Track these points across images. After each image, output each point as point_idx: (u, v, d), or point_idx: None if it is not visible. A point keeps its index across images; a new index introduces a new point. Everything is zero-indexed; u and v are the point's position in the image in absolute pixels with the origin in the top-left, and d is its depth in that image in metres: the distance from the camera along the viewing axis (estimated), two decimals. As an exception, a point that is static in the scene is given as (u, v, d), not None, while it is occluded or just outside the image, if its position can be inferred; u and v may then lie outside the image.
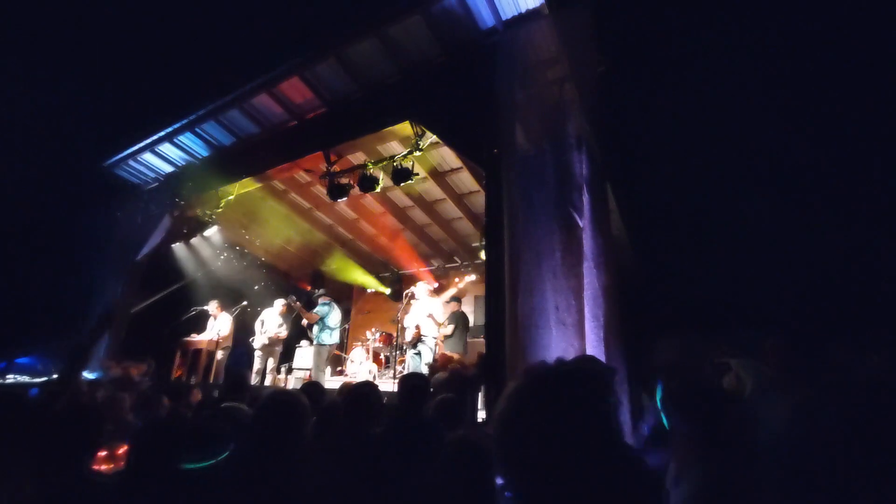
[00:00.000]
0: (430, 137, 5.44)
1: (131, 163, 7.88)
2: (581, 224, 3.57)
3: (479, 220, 8.03)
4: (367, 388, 2.34)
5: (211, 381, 6.71)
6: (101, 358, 6.82)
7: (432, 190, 7.54)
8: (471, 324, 7.92)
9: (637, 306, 2.99)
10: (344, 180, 6.01)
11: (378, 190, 5.79)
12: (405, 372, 5.70)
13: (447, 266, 9.43)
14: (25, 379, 7.50)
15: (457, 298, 7.39)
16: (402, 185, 5.58)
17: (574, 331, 3.27)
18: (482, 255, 7.54)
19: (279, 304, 7.51)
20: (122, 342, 7.21)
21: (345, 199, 5.95)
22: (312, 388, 3.22)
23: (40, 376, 8.04)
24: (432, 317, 5.34)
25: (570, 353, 3.18)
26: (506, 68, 4.34)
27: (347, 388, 2.35)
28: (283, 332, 7.43)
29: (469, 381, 3.56)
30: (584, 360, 2.21)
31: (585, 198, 3.62)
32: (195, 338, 7.39)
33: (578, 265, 3.44)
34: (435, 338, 5.55)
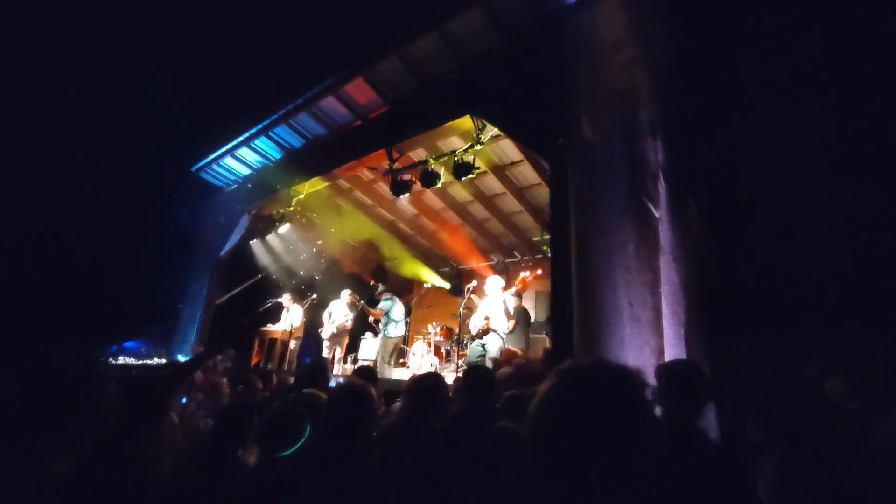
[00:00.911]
0: (492, 131, 5.36)
1: (214, 167, 8.51)
2: (657, 214, 3.33)
3: (540, 214, 7.84)
4: (433, 380, 2.29)
5: (286, 367, 7.09)
6: (191, 343, 7.47)
7: (492, 184, 7.45)
8: (532, 319, 7.78)
9: (722, 302, 2.73)
10: (406, 177, 6.09)
11: (439, 185, 5.80)
12: (465, 364, 5.67)
13: (507, 261, 9.30)
14: (132, 361, 8.42)
15: (518, 294, 7.25)
16: (462, 179, 5.54)
17: (650, 328, 3.07)
18: (545, 249, 7.37)
19: (346, 294, 7.76)
20: (209, 330, 7.84)
21: (407, 194, 6.02)
22: (367, 371, 3.27)
23: (144, 358, 8.97)
24: (506, 310, 5.28)
25: (645, 351, 2.99)
26: (570, 54, 4.14)
27: (412, 381, 2.31)
28: (349, 323, 7.68)
29: (535, 378, 3.45)
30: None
31: (662, 187, 3.37)
32: (271, 328, 7.85)
33: (654, 258, 3.22)
34: (503, 333, 5.48)
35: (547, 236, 7.73)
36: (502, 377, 3.23)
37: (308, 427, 1.71)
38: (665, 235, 3.24)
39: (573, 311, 3.59)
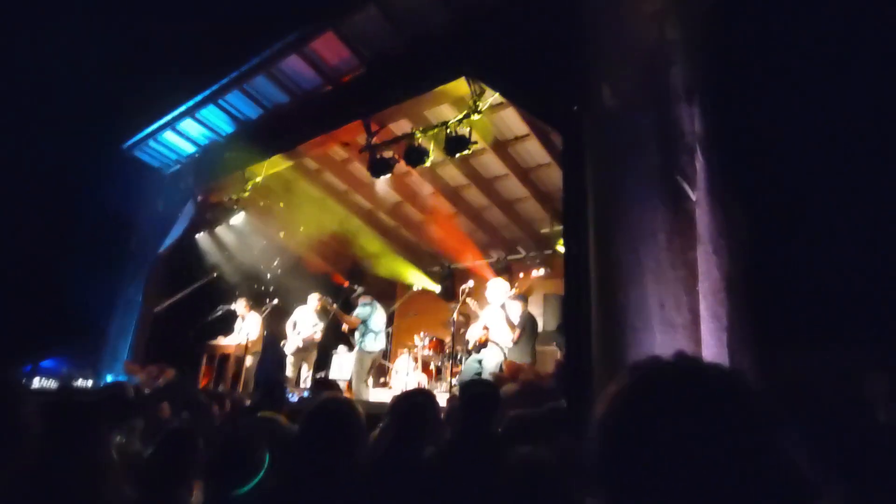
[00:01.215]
0: (491, 97, 5.29)
1: (151, 143, 8.34)
2: (693, 196, 3.28)
3: (549, 201, 7.83)
4: (422, 397, 2.28)
5: (241, 389, 6.96)
6: (124, 361, 7.29)
7: (492, 164, 7.42)
8: (539, 328, 7.76)
9: (776, 304, 2.68)
10: (387, 154, 6.00)
11: (427, 164, 5.72)
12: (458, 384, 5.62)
13: (509, 258, 9.29)
14: (50, 384, 8.20)
15: (523, 297, 7.23)
16: (456, 156, 5.46)
17: (686, 333, 3.01)
18: (557, 245, 7.34)
19: (313, 299, 7.67)
20: (145, 344, 7.68)
21: (388, 175, 5.92)
22: (328, 385, 3.23)
23: (67, 380, 8.75)
24: (508, 319, 5.22)
25: None
26: (588, 3, 4.08)
27: (396, 399, 2.30)
28: (319, 334, 7.58)
29: (545, 396, 3.41)
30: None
31: (699, 162, 3.31)
32: (222, 341, 7.74)
33: (690, 250, 3.16)
34: (505, 346, 5.43)
35: (558, 227, 7.72)
36: (506, 395, 3.18)
37: (267, 458, 1.66)
38: (703, 221, 3.19)
39: (591, 315, 3.54)
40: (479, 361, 5.37)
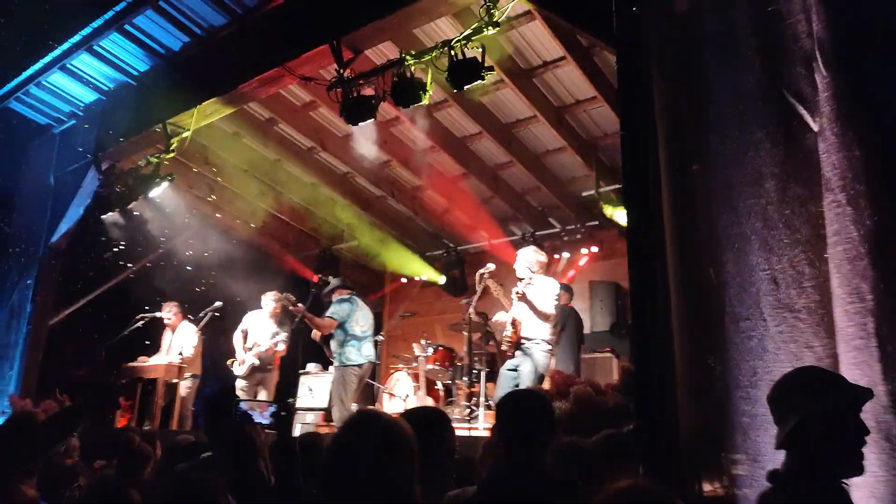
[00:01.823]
0: (511, 2, 5.15)
1: (34, 90, 8.28)
2: (814, 125, 3.18)
3: (592, 150, 7.82)
4: (435, 413, 2.37)
5: (174, 428, 6.93)
6: (9, 394, 7.25)
7: (512, 102, 7.35)
8: (585, 328, 7.74)
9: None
10: (367, 91, 5.89)
11: (424, 102, 5.59)
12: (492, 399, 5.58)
13: (539, 234, 9.23)
14: None
15: (566, 287, 7.19)
16: (465, 89, 5.35)
17: (812, 321, 2.94)
18: (606, 210, 7.26)
19: (269, 300, 7.65)
20: (38, 369, 7.64)
21: (369, 121, 5.82)
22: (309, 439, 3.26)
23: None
24: (525, 299, 5.15)
25: (805, 361, 2.86)
26: None
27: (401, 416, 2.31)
28: (282, 346, 7.54)
29: (609, 416, 3.37)
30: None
31: (822, 77, 3.19)
32: (146, 362, 7.69)
33: (813, 201, 3.07)
34: (548, 344, 5.38)
35: (606, 188, 7.65)
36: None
37: None
38: (831, 161, 3.10)
39: (671, 303, 3.43)
40: (515, 369, 5.32)
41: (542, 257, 5.75)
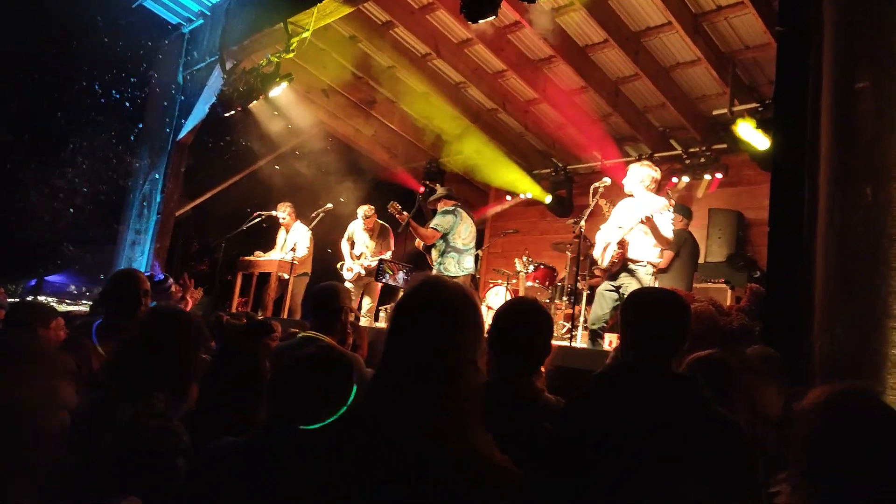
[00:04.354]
0: None
1: None
2: None
3: (729, 65, 7.25)
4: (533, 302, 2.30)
5: (284, 317, 7.20)
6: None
7: (644, 7, 6.86)
8: (701, 258, 7.32)
9: None
10: (491, -13, 5.56)
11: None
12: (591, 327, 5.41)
13: (657, 155, 8.74)
14: (55, 303, 9.00)
15: (684, 210, 6.82)
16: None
17: None
18: (736, 130, 6.69)
19: (362, 212, 7.74)
20: (165, 256, 8.12)
21: (492, 18, 5.53)
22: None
23: (76, 300, 9.57)
24: (651, 223, 4.86)
25: None
26: None
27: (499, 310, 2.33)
28: (387, 255, 7.63)
29: (732, 337, 3.14)
30: None
31: None
32: (261, 257, 7.99)
33: None
34: (654, 268, 5.12)
35: (740, 107, 7.06)
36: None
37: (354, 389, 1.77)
38: None
39: (818, 235, 3.22)
40: (618, 289, 5.12)
41: (656, 173, 5.38)
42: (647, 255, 5.18)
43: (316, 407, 1.69)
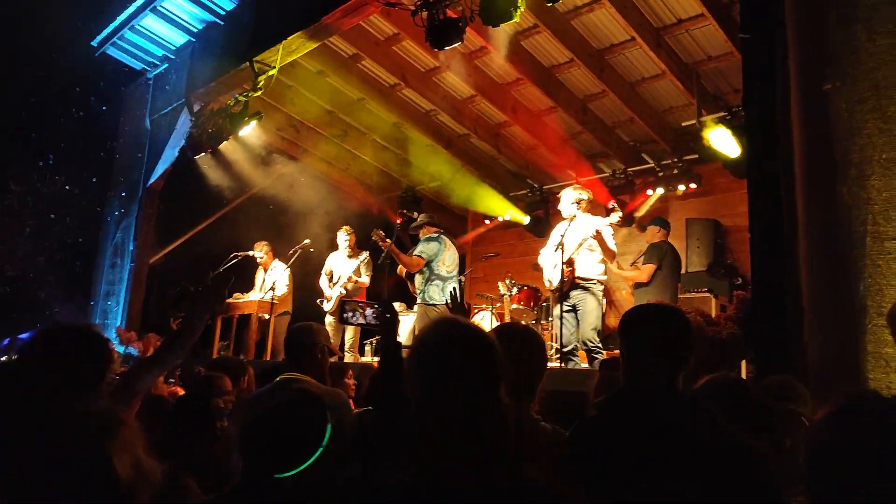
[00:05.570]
0: None
1: (128, 35, 8.44)
2: None
3: (692, 77, 7.32)
4: (525, 329, 2.35)
5: (268, 358, 7.07)
6: (116, 327, 7.59)
7: (606, 25, 6.93)
8: (682, 268, 7.32)
9: None
10: (452, 12, 5.60)
11: (516, 20, 5.22)
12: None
13: (631, 170, 8.81)
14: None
15: (662, 221, 6.88)
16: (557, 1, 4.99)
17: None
18: (706, 139, 6.75)
19: (343, 236, 7.67)
20: (141, 305, 7.95)
21: (456, 45, 5.56)
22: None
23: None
24: (600, 238, 5.10)
25: None
26: None
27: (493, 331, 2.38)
28: (364, 279, 7.61)
29: (722, 347, 3.09)
30: None
31: None
32: (240, 299, 7.84)
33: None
34: (602, 284, 5.43)
35: (707, 116, 7.14)
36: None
37: (328, 431, 1.74)
38: None
39: (799, 237, 3.22)
40: (573, 307, 5.36)
41: (586, 195, 5.69)
42: (594, 272, 5.43)
43: (288, 454, 1.67)
